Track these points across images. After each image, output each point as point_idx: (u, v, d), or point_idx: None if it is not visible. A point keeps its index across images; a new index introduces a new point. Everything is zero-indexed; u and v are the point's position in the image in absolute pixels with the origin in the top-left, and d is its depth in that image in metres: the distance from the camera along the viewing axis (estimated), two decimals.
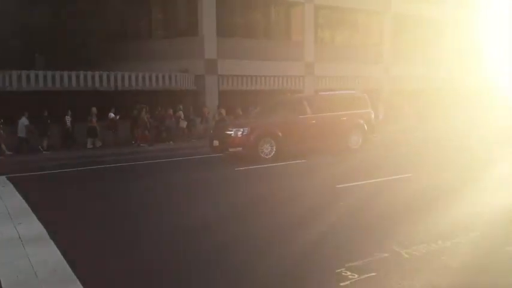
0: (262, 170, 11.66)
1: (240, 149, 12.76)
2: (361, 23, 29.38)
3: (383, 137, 17.13)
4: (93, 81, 19.23)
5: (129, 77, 20.11)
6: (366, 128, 14.76)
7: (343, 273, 4.56)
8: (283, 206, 7.65)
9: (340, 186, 8.89)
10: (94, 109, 18.24)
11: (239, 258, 5.22)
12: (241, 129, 12.89)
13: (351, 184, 9.01)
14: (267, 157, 12.80)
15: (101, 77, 19.43)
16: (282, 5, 26.15)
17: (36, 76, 18.32)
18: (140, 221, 7.02)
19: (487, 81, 28.96)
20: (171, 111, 19.99)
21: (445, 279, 4.47)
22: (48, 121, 17.35)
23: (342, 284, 4.36)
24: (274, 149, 12.95)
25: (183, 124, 20.07)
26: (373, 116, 15.35)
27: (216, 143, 13.40)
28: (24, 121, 16.94)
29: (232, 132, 12.97)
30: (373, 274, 4.54)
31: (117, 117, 18.88)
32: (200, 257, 5.33)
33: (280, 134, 13.06)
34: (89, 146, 18.22)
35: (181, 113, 20.26)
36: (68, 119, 17.96)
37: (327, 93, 16.72)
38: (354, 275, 4.50)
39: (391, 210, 7.12)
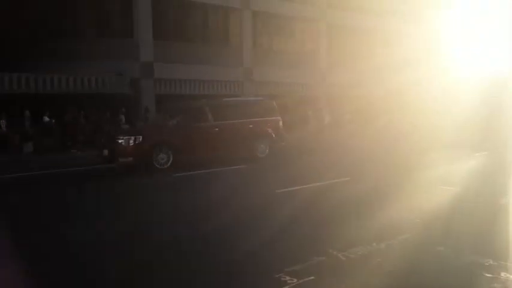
0: (187, 178, 11.42)
1: (131, 159, 11.90)
2: (298, 30, 30.04)
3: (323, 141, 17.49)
4: (10, 84, 18.10)
5: (59, 80, 19.20)
6: (273, 136, 14.42)
7: (282, 278, 4.55)
8: (221, 213, 7.55)
9: (280, 191, 8.95)
10: (27, 112, 17.31)
11: (179, 264, 5.08)
12: (133, 137, 12.08)
13: (291, 189, 9.11)
14: (162, 167, 12.02)
15: (27, 79, 18.41)
16: (220, 10, 26.14)
17: None
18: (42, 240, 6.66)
19: (427, 90, 30.06)
20: (108, 115, 19.34)
21: (380, 281, 4.59)
22: None
23: None
24: (171, 159, 12.20)
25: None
26: (281, 123, 15.03)
27: (105, 152, 12.44)
28: None
29: (122, 141, 12.09)
30: (312, 278, 4.57)
31: (53, 121, 18.00)
32: (135, 260, 5.13)
33: (178, 142, 12.36)
34: (29, 150, 17.29)
35: (122, 117, 19.62)
36: (3, 123, 16.95)
37: (231, 99, 16.17)
38: (293, 280, 4.51)
39: (329, 213, 7.24)
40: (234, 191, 9.35)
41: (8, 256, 5.40)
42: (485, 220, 6.66)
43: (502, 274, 4.56)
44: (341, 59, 30.16)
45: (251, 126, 13.97)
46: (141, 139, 12.07)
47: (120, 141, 12.17)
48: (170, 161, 12.24)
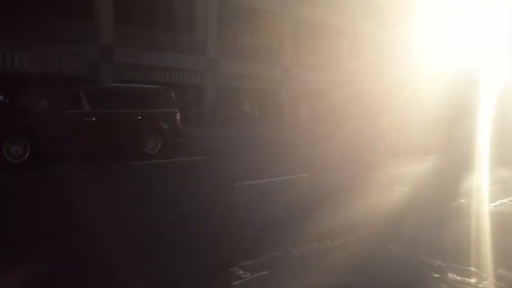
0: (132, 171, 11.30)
1: None
2: (264, 23, 30.07)
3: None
4: None
5: (12, 58, 18.46)
6: (168, 130, 12.88)
7: (236, 272, 4.57)
8: (172, 206, 7.49)
9: (238, 184, 8.96)
10: None
11: (128, 258, 5.00)
12: None
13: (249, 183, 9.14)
14: (16, 161, 10.18)
15: None
16: None
17: None
18: None
19: (396, 93, 30.26)
20: None
21: (333, 277, 4.68)
22: None
23: (234, 283, 4.36)
24: (29, 152, 10.32)
25: None
26: (178, 117, 13.42)
27: None
28: None
29: None
30: (266, 273, 4.61)
31: (6, 100, 17.28)
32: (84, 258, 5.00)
33: (39, 132, 10.38)
34: None
35: None
36: None
37: (116, 85, 14.01)
38: (247, 274, 4.53)
39: (285, 210, 7.31)
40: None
41: None
42: (436, 221, 6.92)
43: (450, 275, 4.74)
44: (307, 56, 30.44)
45: (139, 117, 12.35)
46: None
47: None
48: (27, 154, 10.35)
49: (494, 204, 8.12)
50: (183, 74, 24.86)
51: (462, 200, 8.33)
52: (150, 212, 6.90)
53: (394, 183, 9.70)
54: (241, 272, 4.58)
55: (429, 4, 35.60)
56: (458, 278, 4.69)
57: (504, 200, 8.43)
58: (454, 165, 12.85)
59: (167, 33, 24.22)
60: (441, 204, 8.10)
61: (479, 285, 4.57)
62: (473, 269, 4.93)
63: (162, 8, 25.13)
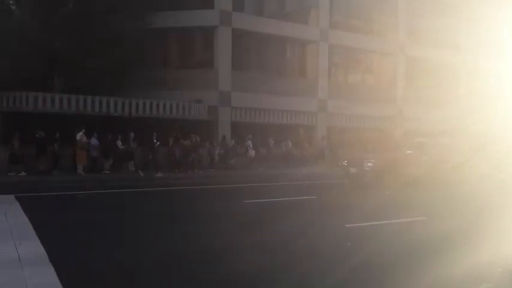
0: None
1: None
2: (375, 64, 29.61)
3: None
4: (108, 107, 19.39)
5: (144, 104, 20.19)
6: None
7: None
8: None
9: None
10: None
11: None
12: None
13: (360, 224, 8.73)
14: None
15: (115, 102, 19.57)
16: (296, 43, 26.47)
17: (53, 99, 18.54)
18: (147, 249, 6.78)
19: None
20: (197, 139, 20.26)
21: None
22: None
23: None
24: None
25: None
26: None
27: None
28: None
29: None
30: None
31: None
32: None
33: None
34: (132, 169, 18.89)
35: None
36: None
37: None
38: None
39: (403, 256, 6.80)
40: None
41: None
42: None
43: None
44: (419, 93, 29.15)
45: None
46: None
47: None
48: None
49: None
50: (295, 115, 25.22)
51: None
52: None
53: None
54: None
55: None
56: None
57: None
58: None
59: (280, 78, 24.94)
60: None
61: None
62: None
63: (275, 55, 26.04)
